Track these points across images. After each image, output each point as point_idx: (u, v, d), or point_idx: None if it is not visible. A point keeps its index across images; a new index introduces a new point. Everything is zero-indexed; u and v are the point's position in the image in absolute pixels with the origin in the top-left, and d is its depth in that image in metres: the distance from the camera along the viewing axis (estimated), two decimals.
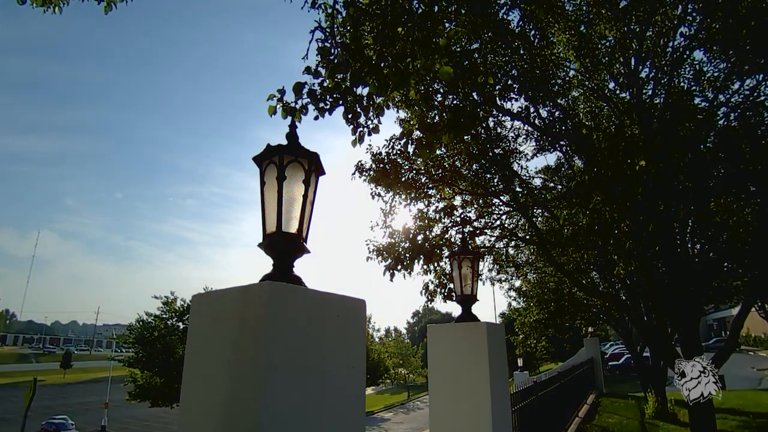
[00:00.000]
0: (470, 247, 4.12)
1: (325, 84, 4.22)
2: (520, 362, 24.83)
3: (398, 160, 8.00)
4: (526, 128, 9.32)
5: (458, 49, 6.72)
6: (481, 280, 11.69)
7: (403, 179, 7.99)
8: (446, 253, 7.74)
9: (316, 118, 4.25)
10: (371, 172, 8.00)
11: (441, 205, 8.68)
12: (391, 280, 7.58)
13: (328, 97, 4.29)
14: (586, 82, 8.92)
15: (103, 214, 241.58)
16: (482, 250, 9.66)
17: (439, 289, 7.89)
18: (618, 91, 9.25)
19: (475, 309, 3.68)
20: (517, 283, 17.74)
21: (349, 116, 4.27)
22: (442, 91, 6.89)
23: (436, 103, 6.67)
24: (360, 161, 8.29)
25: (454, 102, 6.75)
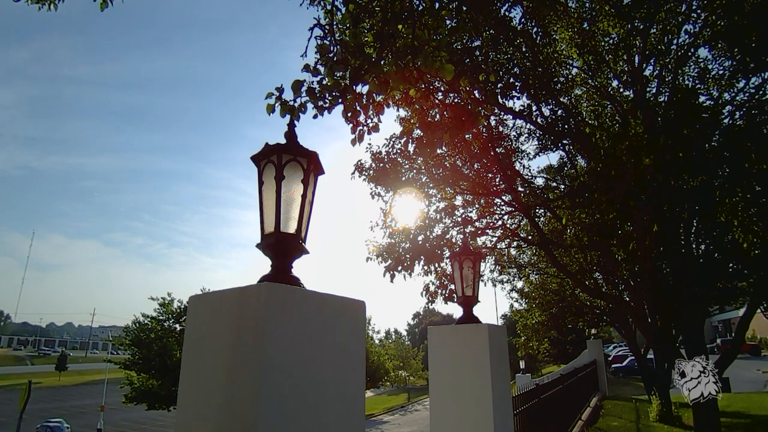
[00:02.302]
0: (471, 247, 4.04)
1: (324, 82, 4.15)
2: (522, 365, 24.68)
3: (398, 159, 7.93)
4: (528, 127, 9.23)
5: (459, 47, 6.63)
6: (482, 281, 11.58)
7: (404, 179, 7.92)
8: (447, 253, 7.65)
9: (315, 116, 4.17)
10: (371, 172, 7.93)
11: (442, 205, 8.60)
12: (392, 281, 7.50)
13: (327, 95, 4.22)
14: (589, 80, 8.84)
15: (151, 224, 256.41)
16: (484, 250, 9.57)
17: (439, 291, 7.81)
18: (621, 90, 9.16)
19: (477, 311, 3.63)
20: (519, 285, 17.62)
21: (349, 115, 4.20)
22: (443, 89, 6.81)
23: (437, 101, 6.58)
24: (360, 160, 8.23)
25: (456, 100, 6.67)
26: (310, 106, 4.14)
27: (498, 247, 10.49)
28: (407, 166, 8.07)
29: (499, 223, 9.72)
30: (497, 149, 8.50)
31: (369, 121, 4.23)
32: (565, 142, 8.78)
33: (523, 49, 7.30)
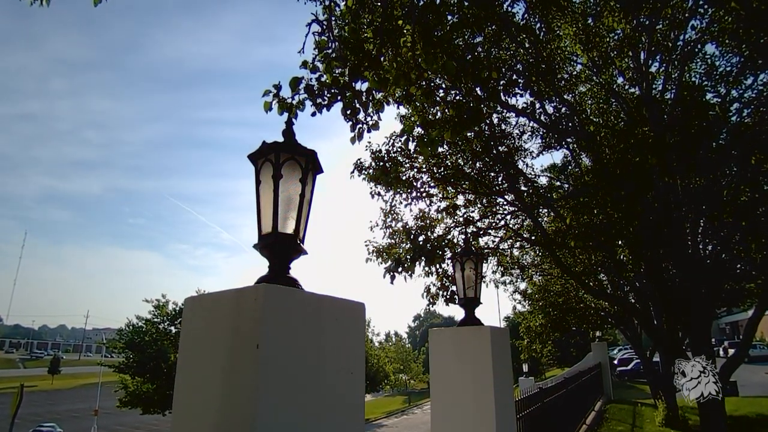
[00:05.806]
0: (473, 248, 3.92)
1: (322, 79, 4.05)
2: (525, 368, 24.46)
3: (399, 158, 7.83)
4: (531, 125, 9.10)
5: (461, 43, 6.53)
6: (484, 282, 11.43)
7: (404, 178, 7.81)
8: (449, 254, 7.53)
9: (314, 114, 4.08)
10: (371, 171, 7.81)
11: (443, 204, 8.49)
12: (392, 282, 7.37)
13: (326, 92, 4.12)
14: (594, 77, 8.71)
15: (210, 239, 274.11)
16: (486, 251, 9.43)
17: (441, 292, 7.70)
18: (627, 87, 9.03)
19: (479, 312, 3.56)
20: (522, 286, 17.43)
21: (348, 112, 4.11)
22: (444, 86, 6.70)
23: (438, 98, 6.47)
24: (359, 159, 8.11)
25: (457, 98, 6.57)
26: (308, 103, 4.05)
27: (500, 247, 10.35)
28: (408, 165, 7.97)
29: (502, 223, 9.58)
30: (499, 148, 8.37)
31: (369, 118, 4.14)
32: (569, 140, 8.65)
33: (526, 45, 7.19)
